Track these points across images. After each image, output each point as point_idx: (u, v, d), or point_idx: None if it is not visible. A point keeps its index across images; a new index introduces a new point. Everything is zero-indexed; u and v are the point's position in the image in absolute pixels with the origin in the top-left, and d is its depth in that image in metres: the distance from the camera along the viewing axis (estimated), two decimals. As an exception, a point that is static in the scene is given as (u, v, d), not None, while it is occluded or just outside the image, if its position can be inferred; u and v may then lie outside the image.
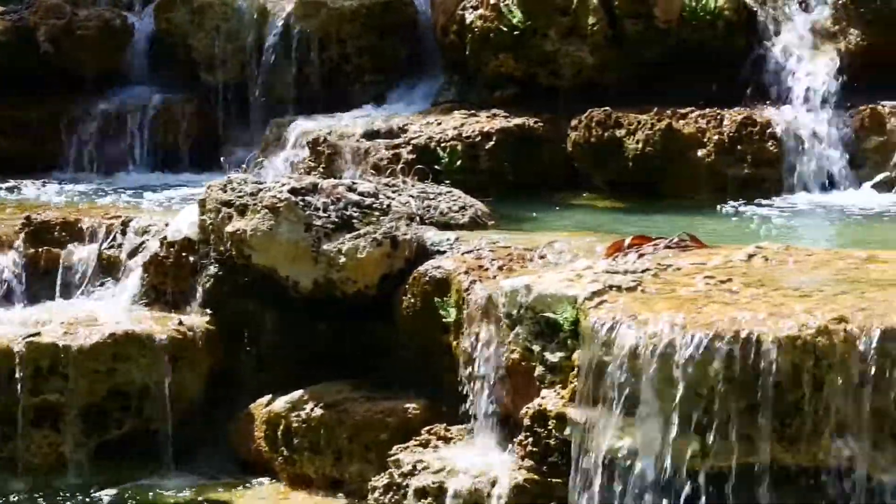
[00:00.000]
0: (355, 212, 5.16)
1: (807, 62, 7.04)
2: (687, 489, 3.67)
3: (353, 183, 5.39)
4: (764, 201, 6.57)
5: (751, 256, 4.42)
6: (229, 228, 5.24)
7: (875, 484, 3.55)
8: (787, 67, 7.07)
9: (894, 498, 3.55)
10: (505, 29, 7.20)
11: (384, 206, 5.23)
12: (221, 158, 7.71)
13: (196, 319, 5.54)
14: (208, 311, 5.55)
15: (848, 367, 3.56)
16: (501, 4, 7.22)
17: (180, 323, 5.49)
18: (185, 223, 5.66)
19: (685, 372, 3.65)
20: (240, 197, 5.28)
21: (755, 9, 7.24)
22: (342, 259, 5.07)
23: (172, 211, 6.26)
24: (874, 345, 3.53)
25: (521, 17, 7.16)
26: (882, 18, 6.99)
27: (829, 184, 6.76)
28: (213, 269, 5.51)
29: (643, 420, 3.73)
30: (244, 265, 5.26)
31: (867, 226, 6.03)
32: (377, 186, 5.41)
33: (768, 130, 6.76)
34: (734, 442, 3.62)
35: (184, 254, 5.62)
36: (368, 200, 5.24)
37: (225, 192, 5.35)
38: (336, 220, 5.11)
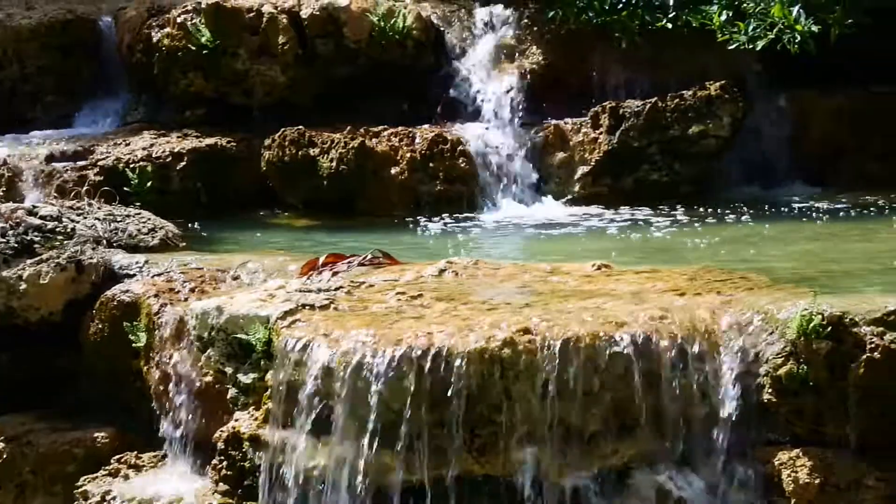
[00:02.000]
0: (37, 236, 4.97)
1: (494, 80, 7.24)
2: (384, 505, 3.69)
3: (34, 206, 5.20)
4: (456, 217, 6.69)
5: (442, 271, 4.49)
6: None
7: (561, 489, 3.66)
8: (475, 86, 7.25)
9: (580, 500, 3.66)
10: (193, 48, 7.11)
11: (68, 230, 5.06)
12: None
13: None
14: None
15: (533, 376, 3.65)
16: (189, 23, 7.12)
17: None
18: None
19: (378, 388, 3.66)
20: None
21: (443, 28, 7.40)
22: (23, 286, 4.88)
23: None
24: (557, 354, 3.64)
25: (210, 36, 7.08)
26: (560, 38, 7.28)
27: (518, 199, 6.95)
28: None
29: (337, 438, 3.73)
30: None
31: (553, 239, 6.22)
32: (61, 210, 5.23)
33: (459, 147, 6.90)
34: (427, 455, 3.65)
35: None
36: (51, 224, 5.06)
37: None
38: (16, 245, 4.91)
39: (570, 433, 3.67)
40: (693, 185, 6.97)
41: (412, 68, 7.24)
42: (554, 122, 7.06)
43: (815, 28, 6.68)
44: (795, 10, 6.70)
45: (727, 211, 6.61)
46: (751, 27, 6.75)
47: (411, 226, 6.52)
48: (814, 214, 6.58)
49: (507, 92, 7.18)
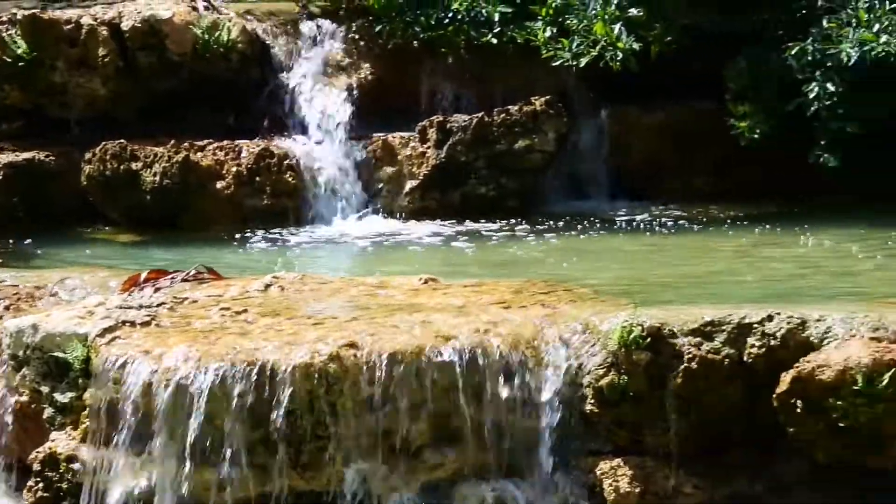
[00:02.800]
0: None
1: (321, 95, 7.20)
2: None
3: None
4: (284, 232, 6.64)
5: (268, 286, 4.44)
6: None
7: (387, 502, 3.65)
8: (302, 100, 7.21)
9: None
10: (9, 60, 6.92)
11: None
12: None
13: None
14: None
15: (359, 391, 3.64)
16: (5, 35, 6.93)
17: None
18: None
19: (200, 405, 3.60)
20: None
21: (269, 42, 7.34)
22: None
23: None
24: (383, 368, 3.63)
25: (26, 48, 6.91)
26: (388, 53, 7.30)
27: (347, 213, 6.93)
28: None
29: (159, 456, 3.66)
30: None
31: (381, 253, 6.22)
32: None
33: (286, 162, 6.85)
34: (251, 472, 3.60)
35: None
36: None
37: None
38: None
39: (397, 447, 3.66)
40: (519, 199, 7.04)
41: (238, 82, 7.16)
42: (382, 136, 7.06)
43: (636, 45, 6.81)
44: (617, 27, 6.83)
45: (552, 225, 6.70)
46: (574, 44, 6.85)
47: (238, 241, 6.44)
48: (636, 228, 6.71)
49: (335, 106, 7.16)
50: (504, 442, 3.75)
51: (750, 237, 6.35)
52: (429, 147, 6.94)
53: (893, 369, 3.51)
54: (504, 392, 3.74)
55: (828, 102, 6.82)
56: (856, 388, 3.53)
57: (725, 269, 5.56)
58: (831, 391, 3.55)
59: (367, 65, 7.34)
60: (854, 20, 6.68)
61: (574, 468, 3.80)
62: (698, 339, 3.78)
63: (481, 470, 3.74)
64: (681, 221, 6.83)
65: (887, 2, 6.71)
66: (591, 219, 6.89)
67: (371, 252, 6.30)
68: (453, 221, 6.78)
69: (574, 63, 6.90)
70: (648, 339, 3.78)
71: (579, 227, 6.67)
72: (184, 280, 4.53)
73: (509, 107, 7.01)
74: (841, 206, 7.09)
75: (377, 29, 7.32)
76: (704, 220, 6.85)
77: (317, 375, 3.64)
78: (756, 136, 7.05)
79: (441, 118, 6.99)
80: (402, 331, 3.80)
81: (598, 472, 3.78)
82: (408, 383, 3.65)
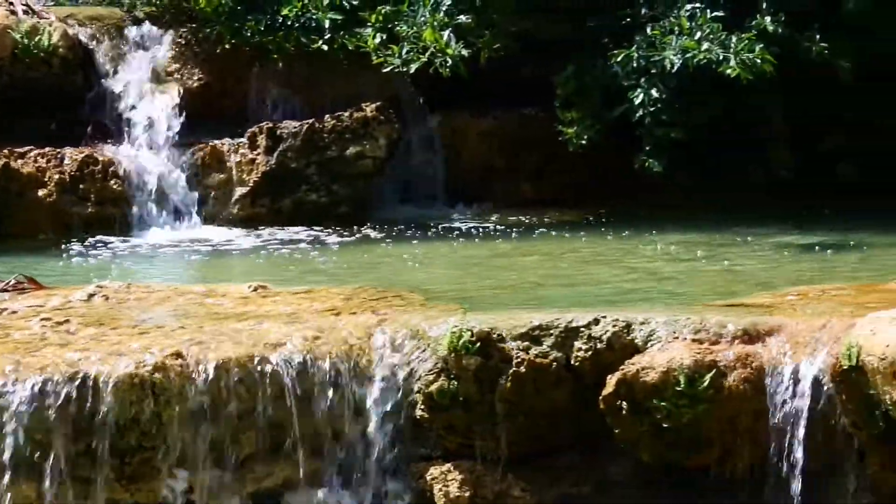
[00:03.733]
0: None
1: (147, 100, 7.07)
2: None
3: None
4: (110, 240, 6.50)
5: (91, 296, 4.35)
6: None
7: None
8: (128, 106, 7.07)
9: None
10: None
11: None
12: None
13: None
14: None
15: (185, 400, 3.58)
16: None
17: None
18: None
19: (19, 417, 3.50)
20: None
21: (92, 47, 7.18)
22: None
23: None
24: (210, 377, 3.57)
25: None
26: (216, 58, 7.20)
27: (175, 221, 6.82)
28: None
29: (-23, 472, 3.53)
30: None
31: (210, 261, 6.13)
32: None
33: (111, 169, 6.71)
34: (72, 486, 3.51)
35: None
36: None
37: None
38: None
39: (224, 457, 3.61)
40: (351, 206, 7.01)
41: (60, 87, 6.98)
42: (211, 142, 6.96)
43: (465, 52, 6.85)
44: (446, 34, 6.86)
45: (385, 231, 6.69)
46: (404, 50, 6.86)
47: (61, 249, 6.28)
48: (469, 234, 6.74)
49: (162, 112, 7.03)
50: (334, 449, 3.73)
51: (579, 241, 6.43)
52: (259, 153, 6.87)
53: (714, 370, 3.59)
54: (334, 399, 3.72)
55: (652, 109, 6.95)
56: (678, 389, 3.59)
57: (555, 274, 5.63)
58: (655, 392, 3.61)
59: (196, 70, 7.23)
60: (677, 28, 6.82)
61: (405, 474, 3.79)
62: (527, 343, 3.81)
63: (312, 478, 3.71)
64: (512, 226, 6.89)
65: (708, 10, 6.88)
66: (424, 224, 6.90)
67: (200, 260, 6.20)
68: (285, 228, 6.72)
69: (404, 69, 6.90)
70: (478, 344, 3.79)
71: (412, 233, 6.67)
72: (2, 290, 4.41)
73: (340, 113, 6.99)
74: (667, 210, 7.24)
75: (205, 34, 7.22)
76: (535, 224, 6.92)
77: (142, 386, 3.56)
78: (583, 141, 7.14)
79: (271, 124, 6.93)
80: (229, 339, 3.75)
81: (429, 478, 3.78)
82: (236, 392, 3.60)
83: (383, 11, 7.01)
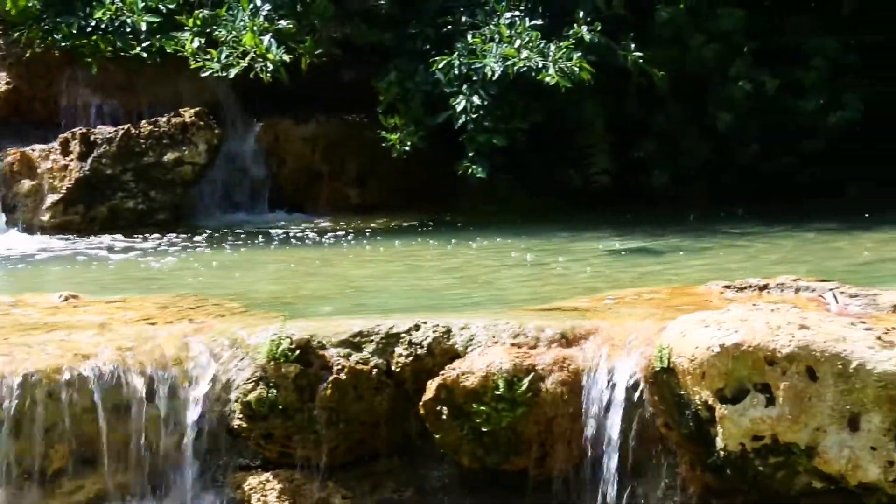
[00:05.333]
0: None
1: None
2: None
3: None
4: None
5: None
6: None
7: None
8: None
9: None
10: None
11: None
12: None
13: None
14: None
15: (-10, 413, 3.45)
16: None
17: None
18: None
19: None
20: None
21: None
22: None
23: None
24: (15, 390, 3.45)
25: None
26: (25, 62, 7.02)
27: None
28: None
29: None
30: None
31: (19, 270, 5.95)
32: None
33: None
34: None
35: None
36: None
37: None
38: None
39: (30, 472, 3.49)
40: (170, 212, 6.90)
41: None
42: (20, 149, 6.76)
43: (286, 57, 6.80)
44: (267, 39, 6.80)
45: (205, 238, 6.59)
46: (223, 55, 6.78)
47: None
48: (291, 240, 6.68)
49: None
50: (149, 461, 3.64)
51: (403, 246, 6.43)
52: (72, 160, 6.71)
53: (532, 374, 3.61)
54: (147, 411, 3.63)
55: (474, 115, 7.01)
56: (497, 392, 3.60)
57: (378, 280, 5.61)
58: (475, 397, 3.62)
59: (2, 74, 7.02)
60: (497, 36, 6.89)
61: (222, 484, 3.72)
62: (347, 350, 3.78)
63: (124, 491, 3.62)
64: (336, 232, 6.85)
65: (527, 19, 6.96)
66: (246, 231, 6.82)
67: (8, 269, 6.01)
68: (100, 236, 6.57)
69: (224, 74, 6.82)
70: (298, 352, 3.75)
71: (233, 239, 6.59)
72: None
73: (158, 118, 6.87)
74: (489, 215, 7.30)
75: (13, 37, 7.02)
76: (359, 230, 6.90)
77: (-58, 400, 3.43)
78: (407, 147, 7.17)
79: (84, 130, 6.78)
80: (37, 350, 3.62)
81: (247, 488, 3.72)
82: (43, 405, 3.48)
83: (201, 16, 6.92)
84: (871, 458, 3.27)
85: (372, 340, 3.80)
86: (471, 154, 7.07)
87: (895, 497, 3.26)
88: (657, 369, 3.51)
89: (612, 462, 3.56)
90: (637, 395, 3.57)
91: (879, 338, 3.33)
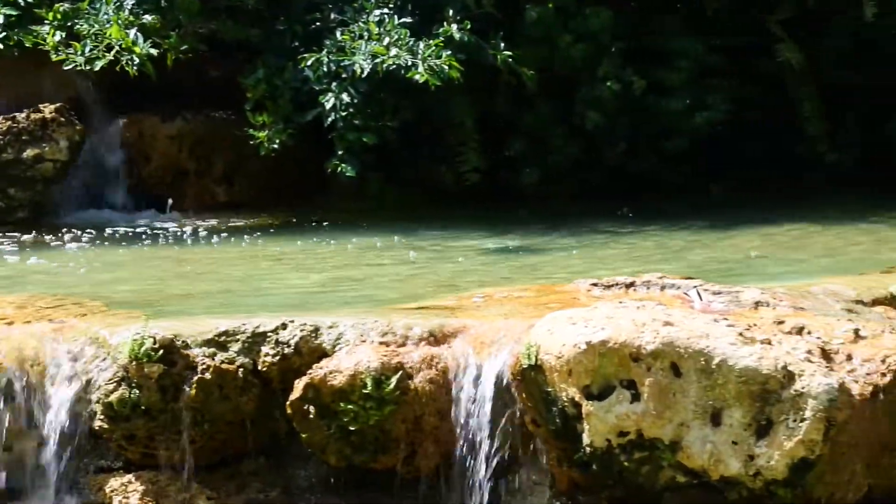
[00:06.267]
0: None
1: None
2: None
3: None
4: None
5: None
6: None
7: None
8: None
9: None
10: None
11: None
12: None
13: None
14: None
15: None
16: None
17: None
18: None
19: None
20: None
21: None
22: None
23: None
24: None
25: None
26: None
27: None
28: None
29: None
30: None
31: None
32: None
33: None
34: None
35: None
36: None
37: None
38: None
39: None
40: (30, 211, 6.75)
41: None
42: None
43: (153, 51, 6.69)
44: (132, 32, 6.68)
45: (68, 236, 6.45)
46: (87, 48, 6.64)
47: None
48: (157, 239, 6.58)
49: None
50: (6, 464, 3.54)
51: (271, 245, 6.38)
52: (-79, 156, 6.53)
53: (400, 372, 3.60)
54: (5, 412, 3.53)
55: (344, 113, 6.98)
56: (365, 391, 3.59)
57: (245, 279, 5.55)
58: (342, 396, 3.60)
59: None
60: (366, 33, 6.86)
61: (83, 487, 3.65)
62: (213, 349, 3.73)
63: (-21, 497, 3.52)
64: (202, 231, 6.76)
65: (396, 16, 6.94)
66: (111, 229, 6.70)
67: None
68: (-45, 234, 6.40)
69: (88, 68, 6.69)
70: (161, 352, 3.68)
71: (97, 238, 6.46)
72: None
73: (16, 114, 6.71)
74: (360, 214, 7.27)
75: None
76: (227, 229, 6.83)
77: None
78: (276, 145, 7.11)
79: (-65, 126, 6.59)
80: None
81: (108, 490, 3.65)
82: None
83: (61, 9, 6.77)
84: (732, 452, 3.32)
85: (238, 340, 3.75)
86: (340, 152, 7.04)
87: (755, 490, 3.32)
88: (525, 367, 3.52)
89: (480, 459, 3.57)
90: (505, 392, 3.58)
91: (741, 334, 3.39)
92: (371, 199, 7.56)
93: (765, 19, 8.51)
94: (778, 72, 8.59)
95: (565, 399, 3.45)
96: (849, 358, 3.40)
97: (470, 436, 3.59)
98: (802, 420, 3.27)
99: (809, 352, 3.37)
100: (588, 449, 3.43)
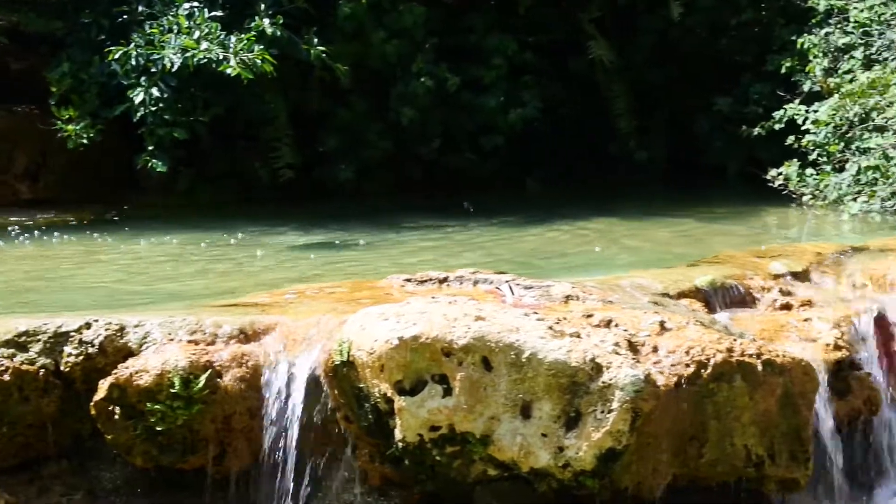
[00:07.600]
0: None
1: None
2: None
3: None
4: None
5: None
6: None
7: None
8: None
9: None
10: None
11: None
12: None
13: None
14: None
15: None
16: None
17: None
18: None
19: None
20: None
21: None
22: None
23: None
24: None
25: None
26: None
27: None
28: None
29: None
30: None
31: None
32: None
33: None
34: None
35: None
36: None
37: None
38: None
39: None
40: None
41: None
42: None
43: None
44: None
45: None
46: None
47: None
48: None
49: None
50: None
51: (77, 242, 6.22)
52: None
53: (209, 371, 3.53)
54: None
55: (154, 108, 6.84)
56: (173, 391, 3.50)
57: (49, 277, 5.39)
58: (149, 396, 3.51)
59: None
60: (175, 27, 6.74)
61: None
62: (12, 350, 3.60)
63: None
64: (4, 228, 6.55)
65: (206, 10, 6.84)
66: None
67: None
68: None
69: None
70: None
71: None
72: None
73: None
74: (171, 210, 7.15)
75: None
76: (29, 226, 6.62)
77: None
78: (84, 140, 6.94)
79: None
80: None
81: None
82: None
83: None
84: (541, 444, 3.34)
85: (39, 340, 3.63)
86: (151, 147, 6.91)
87: (564, 482, 3.34)
88: (337, 363, 3.49)
89: (291, 457, 3.52)
90: (317, 389, 3.54)
91: (551, 328, 3.41)
92: (183, 196, 7.44)
93: (577, 17, 8.65)
94: (590, 70, 8.74)
95: (378, 395, 3.42)
96: (654, 350, 3.45)
97: (281, 434, 3.54)
98: (610, 411, 3.31)
99: (617, 344, 3.41)
100: (400, 444, 3.41)
